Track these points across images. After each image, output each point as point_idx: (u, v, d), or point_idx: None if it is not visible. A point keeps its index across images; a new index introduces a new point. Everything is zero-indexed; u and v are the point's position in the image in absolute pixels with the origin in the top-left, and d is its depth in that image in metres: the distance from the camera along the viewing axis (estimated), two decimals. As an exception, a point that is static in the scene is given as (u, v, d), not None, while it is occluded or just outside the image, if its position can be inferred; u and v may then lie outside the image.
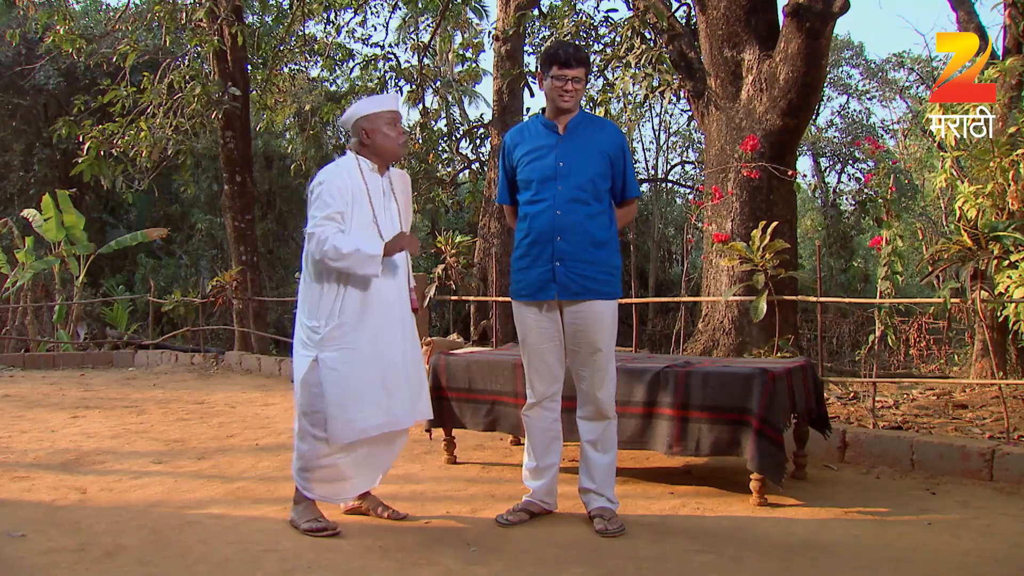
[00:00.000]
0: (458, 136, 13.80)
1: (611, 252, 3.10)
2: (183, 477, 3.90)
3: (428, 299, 6.41)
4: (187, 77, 9.76)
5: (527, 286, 3.10)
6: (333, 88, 15.91)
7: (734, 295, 5.55)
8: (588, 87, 11.60)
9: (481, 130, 12.97)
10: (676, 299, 5.74)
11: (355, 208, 3.00)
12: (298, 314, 3.10)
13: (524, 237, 3.12)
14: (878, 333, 4.55)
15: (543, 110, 3.20)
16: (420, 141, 12.69)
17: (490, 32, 11.83)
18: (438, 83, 15.57)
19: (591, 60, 3.27)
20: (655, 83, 7.08)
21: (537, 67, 3.25)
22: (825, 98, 20.50)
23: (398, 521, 3.17)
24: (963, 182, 5.27)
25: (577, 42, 8.51)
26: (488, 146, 11.79)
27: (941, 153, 5.76)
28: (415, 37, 19.15)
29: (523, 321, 3.14)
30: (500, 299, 6.16)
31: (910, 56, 20.25)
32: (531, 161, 3.11)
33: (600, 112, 7.89)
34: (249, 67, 11.70)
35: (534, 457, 3.21)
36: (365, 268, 2.93)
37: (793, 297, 5.49)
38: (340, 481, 3.07)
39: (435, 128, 13.66)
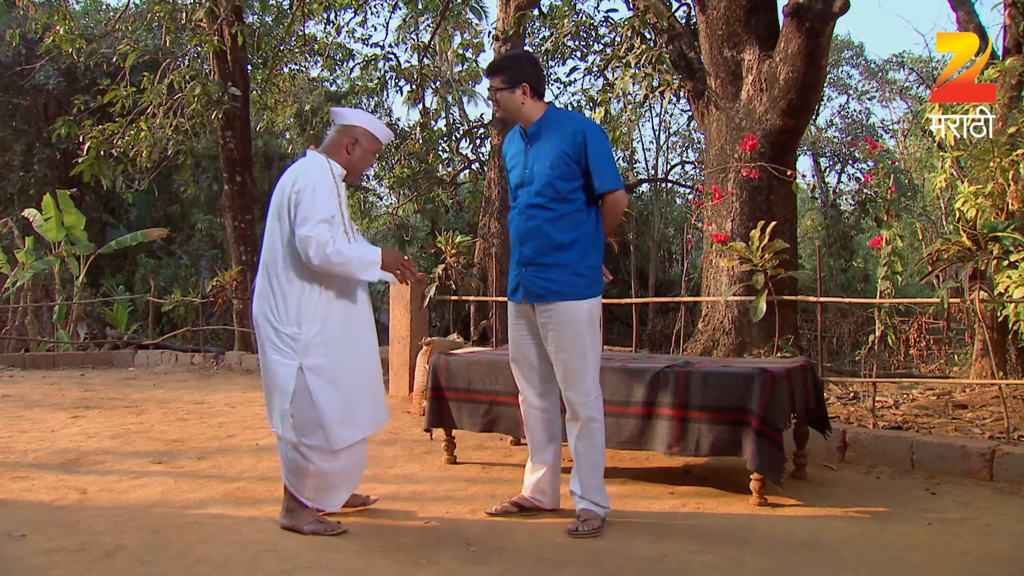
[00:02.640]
0: (458, 136, 13.83)
1: (579, 253, 3.05)
2: (183, 477, 3.90)
3: (428, 299, 6.41)
4: (187, 77, 9.77)
5: (508, 287, 3.24)
6: (333, 88, 15.92)
7: (734, 295, 5.55)
8: (588, 87, 11.65)
9: (481, 130, 12.99)
10: (676, 299, 5.74)
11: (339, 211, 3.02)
12: (267, 319, 2.98)
13: None
14: (878, 333, 4.55)
15: None
16: (420, 141, 12.70)
17: (490, 32, 11.84)
18: (438, 83, 15.58)
19: (507, 67, 3.15)
20: (655, 83, 7.08)
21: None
22: (825, 98, 20.50)
23: (365, 507, 3.24)
24: (963, 182, 5.26)
25: (575, 42, 8.51)
26: (488, 146, 11.79)
27: (941, 153, 5.76)
28: (415, 37, 19.15)
29: (509, 319, 3.26)
30: (500, 299, 6.15)
31: (910, 56, 20.27)
32: (511, 169, 3.24)
33: (600, 112, 7.88)
34: (249, 67, 11.69)
35: (529, 452, 3.29)
36: (365, 273, 2.97)
37: (793, 297, 5.49)
38: (329, 490, 3.08)
39: (435, 128, 13.67)
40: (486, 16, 21.23)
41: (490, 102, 3.18)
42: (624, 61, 7.36)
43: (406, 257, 3.08)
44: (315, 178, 2.96)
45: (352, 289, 3.05)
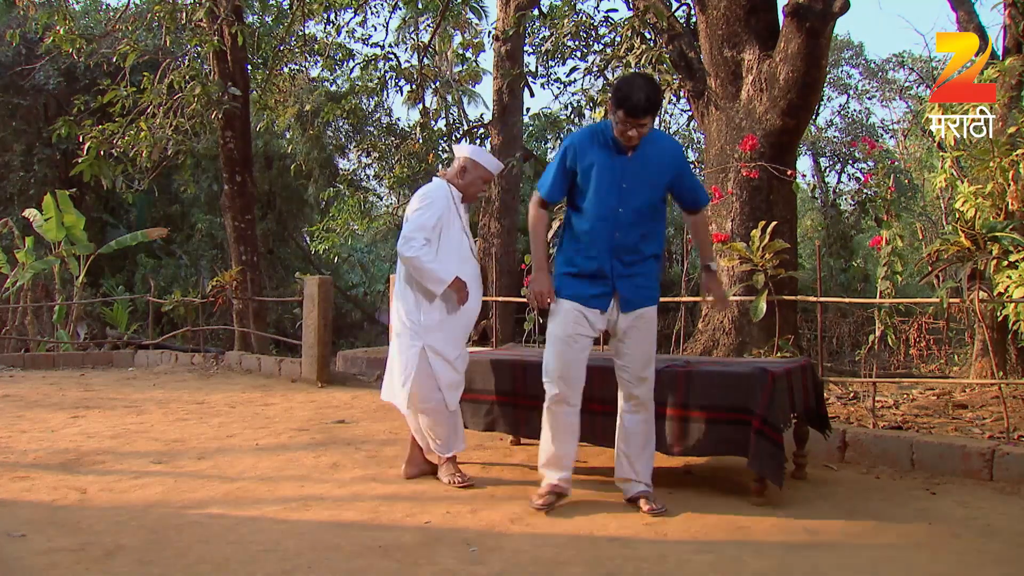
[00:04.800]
0: (458, 136, 13.79)
1: (659, 264, 3.39)
2: (183, 477, 3.91)
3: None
4: (187, 77, 9.76)
5: (586, 294, 3.29)
6: (333, 88, 15.92)
7: (734, 295, 5.55)
8: (588, 87, 11.65)
9: (481, 130, 12.97)
10: (676, 299, 5.75)
11: (445, 229, 3.60)
12: (398, 311, 3.71)
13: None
14: (878, 333, 4.55)
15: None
16: (420, 141, 12.70)
17: (490, 32, 11.84)
18: (438, 83, 15.57)
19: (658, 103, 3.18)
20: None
21: (609, 95, 3.32)
22: (825, 98, 20.49)
23: (465, 488, 3.62)
24: (963, 182, 5.26)
25: (575, 42, 8.47)
26: (488, 146, 11.78)
27: (941, 153, 5.76)
28: (415, 37, 19.14)
29: (569, 324, 3.30)
30: (500, 299, 6.16)
31: (910, 56, 20.28)
32: (595, 176, 3.21)
33: (600, 112, 7.88)
34: (249, 67, 11.69)
35: (569, 451, 3.40)
36: (433, 286, 3.57)
37: (793, 297, 5.49)
38: (451, 438, 3.70)
39: (435, 128, 13.66)
40: (486, 16, 21.27)
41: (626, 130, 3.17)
42: (624, 61, 7.36)
43: (465, 286, 3.61)
44: (430, 198, 3.62)
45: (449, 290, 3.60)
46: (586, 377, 3.35)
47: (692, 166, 3.33)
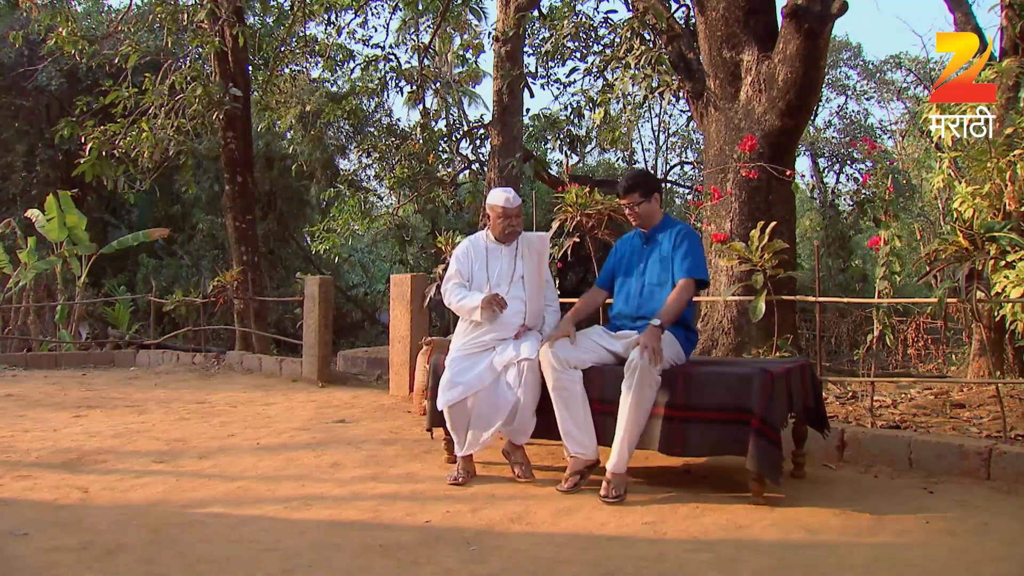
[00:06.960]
0: (458, 136, 13.81)
1: None
2: (184, 476, 3.93)
3: (428, 299, 6.43)
4: (188, 78, 9.77)
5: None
6: (334, 89, 15.94)
7: (733, 295, 5.56)
8: (588, 88, 11.67)
9: (481, 131, 12.99)
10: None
11: (477, 270, 4.03)
12: None
13: None
14: (876, 333, 4.56)
15: None
16: (420, 142, 12.72)
17: (490, 33, 11.85)
18: (438, 84, 15.56)
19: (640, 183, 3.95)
20: (654, 84, 7.09)
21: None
22: (823, 99, 20.47)
23: (527, 480, 3.77)
24: (960, 182, 5.28)
25: (575, 43, 8.47)
26: (488, 147, 11.79)
27: (938, 154, 5.77)
28: (415, 38, 19.15)
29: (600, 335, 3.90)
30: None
31: (907, 57, 20.29)
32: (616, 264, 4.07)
33: (599, 113, 7.90)
34: (250, 68, 11.71)
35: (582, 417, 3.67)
36: (470, 314, 3.93)
37: (792, 297, 5.50)
38: (458, 437, 3.89)
39: (435, 129, 13.68)
40: (486, 17, 21.26)
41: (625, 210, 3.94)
42: (624, 62, 7.37)
43: (496, 295, 3.86)
44: (456, 248, 4.17)
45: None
46: (591, 378, 3.65)
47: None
